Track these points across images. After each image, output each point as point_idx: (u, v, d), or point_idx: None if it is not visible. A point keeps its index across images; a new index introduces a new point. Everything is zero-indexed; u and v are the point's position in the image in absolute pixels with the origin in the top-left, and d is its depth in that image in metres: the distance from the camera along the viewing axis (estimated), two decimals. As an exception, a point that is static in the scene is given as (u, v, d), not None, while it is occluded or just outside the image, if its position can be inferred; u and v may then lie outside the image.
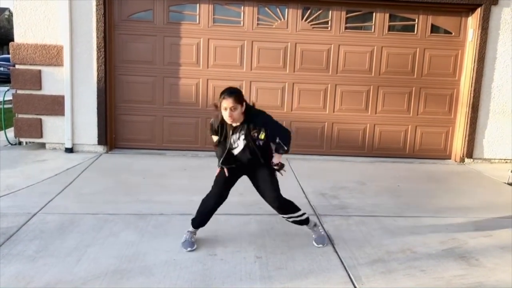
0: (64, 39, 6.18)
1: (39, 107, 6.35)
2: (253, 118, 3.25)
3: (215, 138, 3.42)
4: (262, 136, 3.25)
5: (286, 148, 3.31)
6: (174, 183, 5.19)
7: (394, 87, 6.75)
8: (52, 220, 3.89)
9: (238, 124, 3.24)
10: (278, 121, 3.39)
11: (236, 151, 3.34)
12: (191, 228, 3.52)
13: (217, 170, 3.45)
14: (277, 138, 3.29)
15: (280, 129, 3.36)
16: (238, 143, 3.31)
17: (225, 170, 3.38)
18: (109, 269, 3.08)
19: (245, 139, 3.27)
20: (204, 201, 3.48)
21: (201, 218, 3.49)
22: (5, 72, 19.41)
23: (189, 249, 3.39)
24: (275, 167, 3.33)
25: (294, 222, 3.52)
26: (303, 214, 3.54)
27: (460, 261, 3.40)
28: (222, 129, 3.32)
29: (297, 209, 3.50)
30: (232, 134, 3.28)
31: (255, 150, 3.29)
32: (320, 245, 3.54)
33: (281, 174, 3.40)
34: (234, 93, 3.17)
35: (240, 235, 3.57)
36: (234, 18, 6.52)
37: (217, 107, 3.24)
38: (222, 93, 3.19)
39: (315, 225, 3.65)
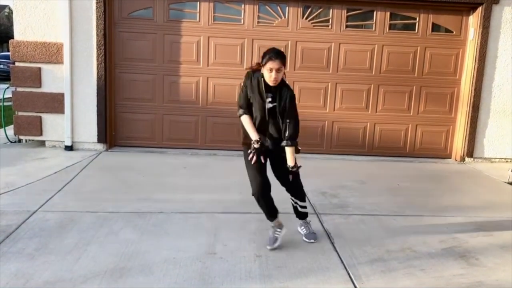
0: (64, 37, 6.17)
1: (39, 104, 6.34)
2: (285, 90, 3.25)
3: (242, 107, 3.33)
4: (281, 104, 3.23)
5: (292, 138, 3.26)
6: (173, 181, 5.18)
7: (395, 86, 6.74)
8: (52, 218, 3.88)
9: (274, 86, 3.21)
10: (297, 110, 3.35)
11: (266, 114, 3.27)
12: (270, 224, 3.48)
13: (251, 157, 3.25)
14: (287, 128, 3.24)
15: (295, 119, 3.30)
16: (268, 105, 3.25)
17: (261, 157, 3.27)
18: (108, 267, 3.08)
19: (271, 105, 3.23)
20: (256, 190, 3.33)
21: (267, 206, 3.41)
22: (5, 70, 19.39)
23: (268, 247, 3.39)
24: (294, 169, 3.32)
25: (302, 212, 3.63)
26: (306, 207, 3.68)
27: (460, 261, 3.40)
28: (252, 90, 3.27)
29: (305, 199, 3.62)
30: (267, 95, 3.23)
31: (277, 117, 3.25)
32: (312, 241, 3.58)
33: (298, 172, 3.38)
34: (280, 54, 3.17)
35: (240, 234, 3.57)
36: (234, 16, 6.50)
37: (259, 65, 3.22)
38: (268, 53, 3.16)
39: (309, 221, 3.71)
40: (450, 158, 6.93)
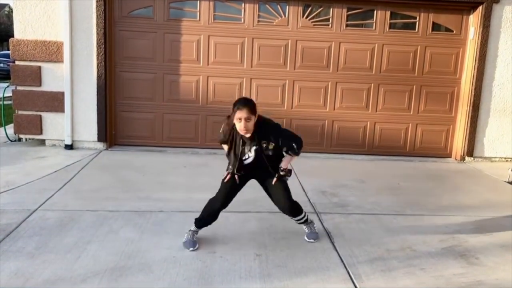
0: (64, 36, 6.16)
1: (39, 103, 6.34)
2: (263, 129, 3.25)
3: (225, 147, 3.41)
4: (271, 146, 3.26)
5: (297, 152, 3.31)
6: (173, 180, 5.18)
7: (395, 85, 6.74)
8: (52, 217, 3.88)
9: (249, 135, 3.23)
10: (287, 129, 3.40)
11: (246, 162, 3.33)
12: (193, 227, 3.48)
13: (226, 174, 3.38)
14: (289, 146, 3.28)
15: (292, 137, 3.33)
16: (249, 155, 3.31)
17: (236, 177, 3.34)
18: (108, 266, 3.07)
19: (256, 149, 3.27)
20: (210, 203, 3.42)
21: (206, 220, 3.45)
22: (5, 68, 19.38)
23: (191, 248, 3.36)
24: (282, 173, 3.33)
25: (299, 222, 3.59)
26: (305, 214, 3.59)
27: (460, 260, 3.40)
28: (232, 137, 3.30)
29: (302, 211, 3.54)
30: (243, 145, 3.28)
31: (265, 160, 3.29)
32: (312, 240, 3.57)
33: (286, 179, 3.38)
34: (248, 103, 3.15)
35: (240, 233, 3.57)
36: (234, 15, 6.50)
37: (229, 118, 3.25)
38: (236, 103, 3.16)
39: (311, 221, 3.68)
40: (450, 157, 6.93)
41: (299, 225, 3.64)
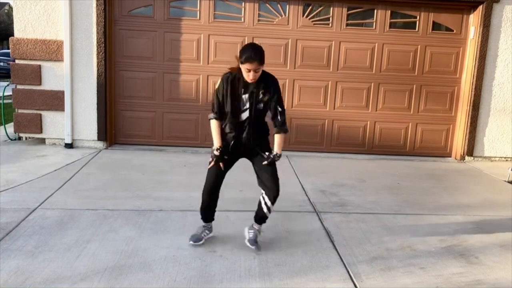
0: (64, 34, 6.16)
1: (39, 102, 6.34)
2: (266, 79, 3.20)
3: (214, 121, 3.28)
4: (265, 98, 3.19)
5: (282, 125, 3.24)
6: (173, 179, 5.18)
7: (395, 84, 6.74)
8: (52, 216, 3.88)
9: (252, 82, 3.15)
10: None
11: (243, 115, 3.22)
12: (204, 223, 3.48)
13: (210, 160, 3.29)
14: (278, 115, 3.22)
15: (283, 107, 3.28)
16: (246, 104, 3.21)
17: (221, 164, 3.27)
18: (108, 265, 3.08)
19: (250, 97, 3.18)
20: (202, 196, 3.38)
21: (206, 211, 3.43)
22: (5, 67, 19.38)
23: (191, 242, 3.37)
24: (276, 158, 3.24)
25: (264, 214, 3.40)
26: (270, 212, 3.46)
27: (460, 259, 3.40)
28: (231, 88, 3.20)
29: (274, 201, 3.41)
30: (244, 93, 3.18)
31: (256, 113, 3.20)
32: (253, 247, 3.35)
33: (267, 163, 3.26)
34: (259, 54, 3.06)
35: (240, 232, 3.56)
36: (234, 14, 6.49)
37: (238, 67, 3.16)
38: (246, 51, 3.06)
39: (262, 232, 3.52)
40: (450, 156, 6.93)
41: (251, 224, 3.48)
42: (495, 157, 6.80)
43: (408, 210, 4.46)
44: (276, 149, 3.27)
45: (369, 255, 3.40)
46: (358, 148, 6.86)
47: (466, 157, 6.76)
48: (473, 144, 6.70)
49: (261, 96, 3.19)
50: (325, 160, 6.48)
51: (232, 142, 3.27)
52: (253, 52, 3.06)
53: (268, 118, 3.31)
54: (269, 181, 3.30)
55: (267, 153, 3.28)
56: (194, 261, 3.18)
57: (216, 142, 3.28)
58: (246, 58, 3.05)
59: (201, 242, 3.40)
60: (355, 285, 2.97)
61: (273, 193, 3.32)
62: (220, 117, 3.28)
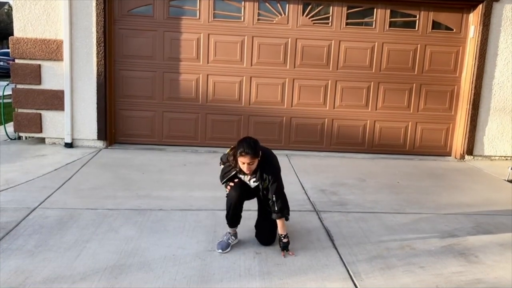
0: (64, 34, 6.15)
1: (38, 101, 6.34)
2: (264, 167, 3.26)
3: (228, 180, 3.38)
4: (265, 185, 3.28)
5: (284, 215, 3.31)
6: (173, 178, 5.18)
7: (395, 83, 6.73)
8: (52, 215, 3.89)
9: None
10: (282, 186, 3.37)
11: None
12: (229, 229, 3.46)
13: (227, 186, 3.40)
14: (274, 204, 3.27)
15: (279, 190, 3.30)
16: (251, 184, 3.37)
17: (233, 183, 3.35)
18: (108, 264, 3.08)
19: (254, 181, 3.32)
20: (227, 201, 3.40)
21: (232, 217, 3.42)
22: (5, 67, 19.37)
23: (219, 250, 3.32)
24: (285, 240, 3.32)
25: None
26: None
27: (459, 258, 3.40)
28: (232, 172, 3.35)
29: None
30: (245, 177, 3.34)
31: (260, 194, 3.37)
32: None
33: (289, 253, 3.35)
34: (252, 149, 3.11)
35: (240, 231, 3.56)
36: (234, 13, 6.49)
37: (231, 155, 3.26)
38: (241, 146, 3.12)
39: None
40: (450, 155, 6.93)
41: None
42: (495, 156, 6.80)
43: (408, 209, 4.46)
44: (280, 231, 3.34)
45: (369, 254, 3.40)
46: (358, 147, 6.86)
47: (466, 156, 6.76)
48: (473, 143, 6.70)
49: (262, 184, 3.28)
50: (324, 159, 6.48)
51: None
52: (247, 147, 3.11)
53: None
54: (264, 237, 3.45)
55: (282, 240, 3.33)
56: (194, 261, 3.18)
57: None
58: (240, 153, 3.12)
59: (228, 250, 3.35)
60: (354, 284, 2.98)
61: (268, 243, 3.47)
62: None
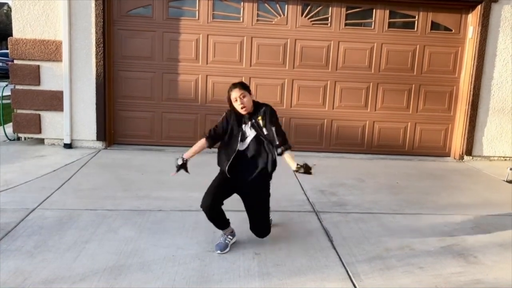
0: (63, 35, 6.15)
1: (37, 102, 6.33)
2: (260, 108, 3.34)
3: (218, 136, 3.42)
4: (262, 123, 3.27)
5: (289, 146, 3.31)
6: (172, 179, 5.13)
7: (394, 84, 6.74)
8: (51, 216, 3.88)
9: (249, 113, 3.31)
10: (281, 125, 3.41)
11: (243, 146, 3.35)
12: (222, 231, 3.44)
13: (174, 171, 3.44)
14: (275, 139, 3.28)
15: (278, 127, 3.33)
16: (250, 134, 3.34)
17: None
18: (107, 265, 3.08)
19: (252, 125, 3.31)
20: (204, 211, 3.36)
21: (214, 223, 3.40)
22: (4, 68, 19.36)
23: (218, 251, 3.31)
24: (301, 171, 3.25)
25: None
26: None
27: (459, 259, 3.40)
28: (228, 126, 3.39)
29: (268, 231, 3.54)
30: (245, 125, 3.35)
31: (260, 143, 3.32)
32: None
33: (311, 173, 3.29)
34: (240, 83, 3.36)
35: (239, 232, 3.56)
36: (233, 14, 6.49)
37: (230, 103, 3.35)
38: (228, 89, 3.34)
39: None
40: (449, 156, 6.94)
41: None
42: (493, 156, 6.81)
43: (407, 210, 4.47)
44: (292, 166, 3.28)
45: (368, 255, 3.40)
46: (357, 148, 6.86)
47: (465, 157, 6.77)
48: (471, 143, 6.71)
49: (257, 126, 3.30)
50: (324, 159, 6.48)
51: (227, 169, 3.35)
52: (233, 84, 3.36)
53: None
54: (257, 226, 3.43)
55: (298, 165, 3.26)
56: (193, 261, 3.18)
57: (187, 153, 3.49)
58: (229, 90, 3.33)
59: (227, 250, 3.35)
60: (354, 284, 2.98)
61: (261, 234, 3.46)
62: (211, 142, 3.48)
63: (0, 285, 2.79)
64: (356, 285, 2.97)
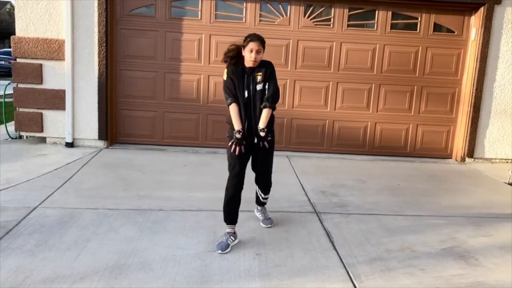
0: (65, 34, 6.16)
1: (40, 101, 6.34)
2: (263, 64, 3.46)
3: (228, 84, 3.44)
4: (260, 79, 3.41)
5: (273, 106, 3.42)
6: (174, 179, 5.19)
7: (396, 85, 6.74)
8: (52, 215, 3.89)
9: (252, 67, 3.42)
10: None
11: (247, 99, 3.43)
12: (227, 229, 3.47)
13: (230, 144, 3.37)
14: (271, 90, 3.42)
15: (276, 87, 3.47)
16: (250, 88, 3.43)
17: (242, 147, 3.35)
18: (108, 264, 3.08)
19: (251, 81, 3.41)
20: (228, 190, 3.46)
21: (229, 210, 3.48)
22: (6, 66, 19.40)
23: (219, 251, 3.31)
24: (263, 134, 3.35)
25: (262, 202, 3.88)
26: (267, 199, 3.89)
27: (460, 261, 3.40)
28: (236, 82, 3.43)
29: (268, 192, 3.85)
30: (247, 77, 3.43)
31: (255, 95, 3.42)
32: (269, 225, 3.82)
33: (265, 145, 3.40)
34: (261, 37, 3.43)
35: (240, 232, 3.57)
36: (236, 14, 6.50)
37: (234, 50, 3.47)
38: (249, 35, 3.43)
39: (266, 208, 3.97)
40: (451, 158, 6.93)
41: (256, 207, 3.95)
42: (495, 158, 6.80)
43: (408, 211, 4.46)
44: (260, 124, 3.38)
45: (368, 256, 3.40)
46: (359, 149, 6.86)
47: (467, 159, 6.76)
48: (473, 145, 6.70)
49: (259, 78, 3.42)
50: (325, 160, 6.48)
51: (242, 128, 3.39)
52: (255, 35, 3.44)
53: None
54: (263, 176, 3.69)
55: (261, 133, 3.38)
56: (194, 261, 3.18)
57: (237, 125, 3.38)
58: (250, 39, 3.39)
59: (228, 250, 3.34)
60: (354, 286, 2.97)
61: (265, 189, 3.79)
62: (237, 100, 3.42)
63: (1, 283, 2.79)
64: (357, 286, 2.96)
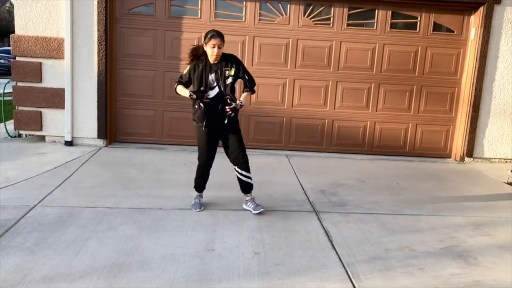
0: (65, 32, 6.16)
1: (39, 99, 6.34)
2: (227, 58, 3.88)
3: (182, 90, 3.94)
4: (232, 72, 3.84)
5: (252, 87, 4.01)
6: (173, 177, 5.19)
7: (396, 85, 6.74)
8: (51, 213, 3.89)
9: (215, 62, 3.83)
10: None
11: (212, 93, 3.85)
12: (196, 193, 4.19)
13: (190, 95, 3.84)
14: (247, 82, 3.96)
15: (249, 72, 4.01)
16: (215, 82, 3.84)
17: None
18: (107, 263, 3.08)
19: (219, 73, 3.81)
20: (198, 171, 4.13)
21: (200, 185, 4.18)
22: (6, 64, 19.38)
23: (198, 209, 4.03)
24: (239, 105, 3.81)
25: (246, 182, 4.08)
26: (250, 177, 4.11)
27: (458, 260, 3.40)
28: (195, 70, 3.86)
29: (248, 169, 4.07)
30: (210, 73, 3.83)
31: (225, 88, 3.84)
32: (261, 209, 4.01)
33: (230, 113, 3.84)
34: (221, 33, 3.80)
35: (239, 231, 3.57)
36: (235, 13, 6.49)
37: (197, 49, 3.87)
38: (209, 32, 3.79)
39: (254, 197, 4.15)
40: (450, 157, 6.94)
41: (244, 200, 4.15)
42: (494, 158, 6.81)
43: (407, 211, 4.46)
44: (241, 98, 3.93)
45: (368, 255, 3.40)
46: (358, 148, 6.86)
47: (466, 158, 6.76)
48: (472, 145, 6.70)
49: (227, 72, 3.83)
50: (324, 160, 6.48)
51: (205, 119, 3.85)
52: (216, 31, 3.80)
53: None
54: (236, 152, 3.98)
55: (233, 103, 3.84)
56: (193, 260, 3.18)
57: (186, 92, 3.90)
58: (211, 36, 3.75)
59: (203, 208, 4.08)
60: (353, 285, 2.98)
61: (243, 164, 4.00)
62: (185, 85, 3.97)
63: (0, 281, 2.79)
64: (356, 285, 2.97)
